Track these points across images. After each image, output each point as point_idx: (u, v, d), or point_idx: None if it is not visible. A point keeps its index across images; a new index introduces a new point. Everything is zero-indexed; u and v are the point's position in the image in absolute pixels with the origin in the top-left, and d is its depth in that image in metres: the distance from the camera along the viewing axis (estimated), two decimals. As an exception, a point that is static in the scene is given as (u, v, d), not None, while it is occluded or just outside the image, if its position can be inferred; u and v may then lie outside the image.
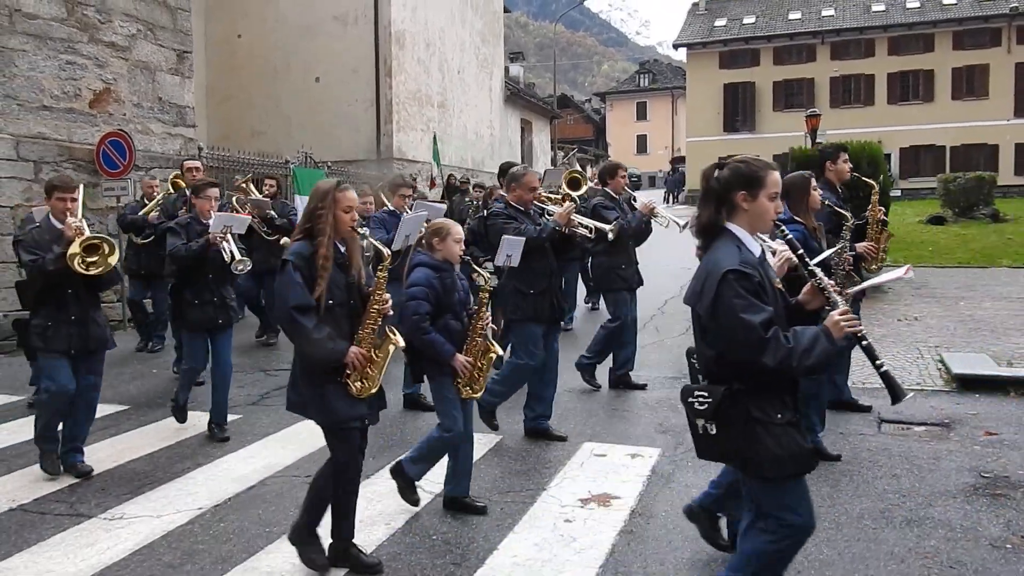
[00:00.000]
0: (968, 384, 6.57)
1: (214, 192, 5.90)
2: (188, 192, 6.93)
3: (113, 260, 4.86)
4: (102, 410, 6.44)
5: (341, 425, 3.52)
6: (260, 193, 9.48)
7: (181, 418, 5.87)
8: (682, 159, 47.99)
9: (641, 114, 67.29)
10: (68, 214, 4.84)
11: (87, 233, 4.78)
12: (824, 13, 40.83)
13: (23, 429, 5.96)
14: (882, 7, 39.76)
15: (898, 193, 30.49)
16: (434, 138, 11.80)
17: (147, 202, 8.89)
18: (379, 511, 4.30)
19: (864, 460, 5.02)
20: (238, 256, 5.67)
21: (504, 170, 7.28)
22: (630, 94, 67.87)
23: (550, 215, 5.59)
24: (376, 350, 3.55)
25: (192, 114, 12.52)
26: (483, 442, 5.29)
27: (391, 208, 6.63)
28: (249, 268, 5.93)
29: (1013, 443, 5.25)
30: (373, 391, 3.56)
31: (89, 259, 4.75)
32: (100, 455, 5.33)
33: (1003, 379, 6.58)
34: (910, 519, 4.13)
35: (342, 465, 3.58)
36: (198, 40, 15.07)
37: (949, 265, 13.97)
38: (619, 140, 66.10)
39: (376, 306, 3.56)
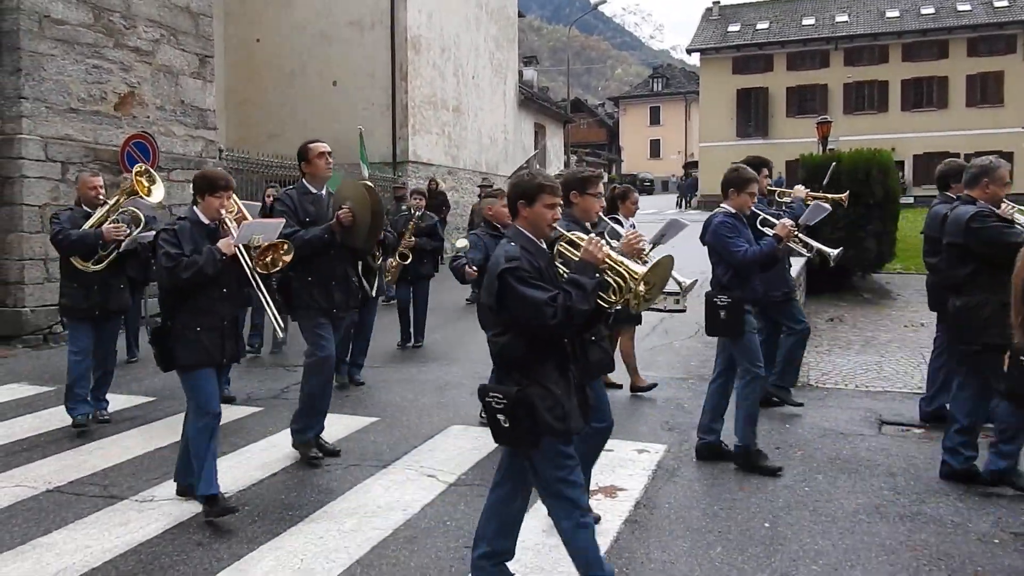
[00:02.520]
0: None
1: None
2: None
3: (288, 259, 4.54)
4: (130, 400, 6.77)
5: None
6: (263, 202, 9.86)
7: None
8: (695, 164, 48.10)
9: (654, 119, 67.44)
10: (224, 211, 4.40)
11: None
12: (838, 19, 40.90)
13: (54, 417, 6.24)
14: (896, 13, 39.80)
15: (911, 200, 30.54)
16: (360, 135, 11.36)
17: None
18: (396, 498, 4.53)
19: (863, 459, 5.21)
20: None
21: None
22: (643, 98, 68.04)
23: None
24: None
25: (213, 117, 12.82)
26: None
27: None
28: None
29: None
30: None
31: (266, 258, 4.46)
32: (129, 442, 5.60)
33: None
34: (903, 514, 4.31)
35: None
36: (216, 44, 15.35)
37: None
38: (632, 144, 66.29)
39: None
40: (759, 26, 42.57)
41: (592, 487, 4.70)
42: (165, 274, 4.18)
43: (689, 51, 44.47)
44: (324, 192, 5.35)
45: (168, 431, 5.90)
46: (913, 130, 37.24)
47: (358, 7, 18.77)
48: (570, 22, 55.93)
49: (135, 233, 5.89)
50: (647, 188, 54.23)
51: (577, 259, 3.12)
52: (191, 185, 4.56)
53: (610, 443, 5.49)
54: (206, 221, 4.32)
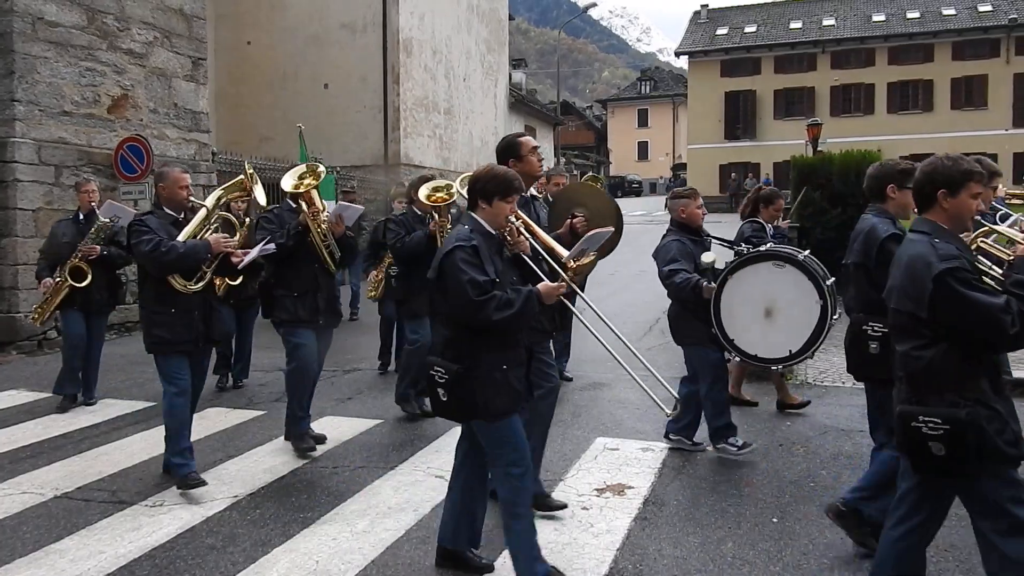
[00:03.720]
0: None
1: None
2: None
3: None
4: (131, 406, 6.75)
5: None
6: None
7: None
8: (683, 166, 48.31)
9: (642, 121, 67.64)
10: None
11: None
12: (825, 23, 41.20)
13: (56, 424, 6.23)
14: (882, 17, 40.13)
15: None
16: (299, 133, 11.01)
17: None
18: (406, 499, 4.54)
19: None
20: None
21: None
22: (631, 101, 68.23)
23: None
24: None
25: (207, 120, 12.79)
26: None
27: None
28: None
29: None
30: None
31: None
32: (133, 448, 5.58)
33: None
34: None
35: None
36: (208, 46, 15.32)
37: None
38: (620, 147, 66.45)
39: None
40: (747, 29, 42.82)
41: (600, 485, 4.76)
42: (478, 313, 3.22)
43: (678, 54, 44.64)
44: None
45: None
46: (899, 132, 37.51)
47: (350, 10, 18.78)
48: (558, 25, 56.08)
49: (258, 248, 5.03)
50: (635, 190, 54.41)
51: (1013, 257, 2.93)
52: (465, 189, 3.68)
53: (615, 442, 5.59)
54: (493, 232, 3.44)
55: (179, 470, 4.66)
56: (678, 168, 52.87)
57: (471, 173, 3.74)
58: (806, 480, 4.83)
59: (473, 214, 3.45)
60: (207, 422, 6.19)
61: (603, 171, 60.98)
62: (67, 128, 10.43)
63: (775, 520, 4.23)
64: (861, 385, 7.21)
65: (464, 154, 22.75)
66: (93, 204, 6.84)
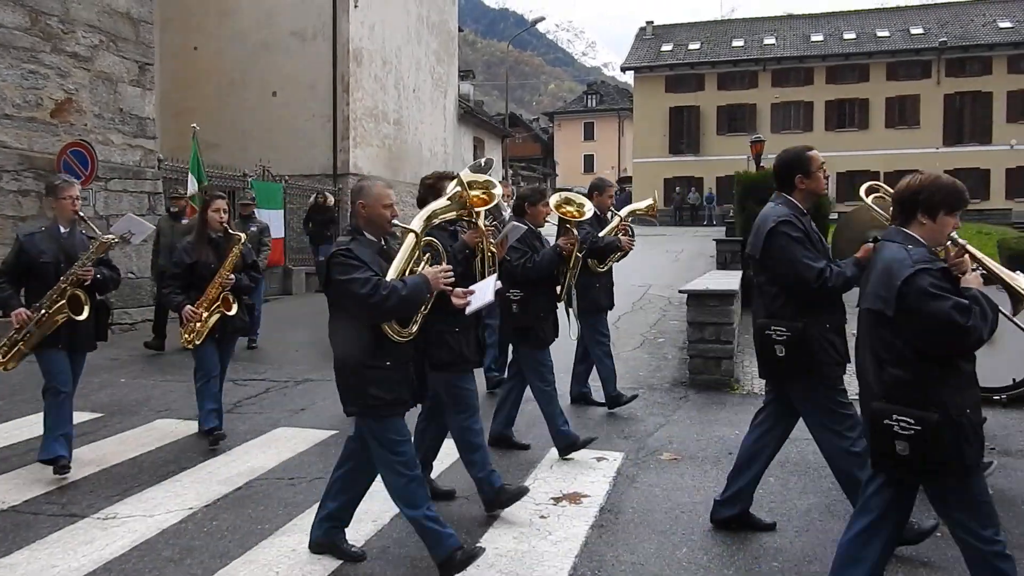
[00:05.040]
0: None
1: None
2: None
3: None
4: (78, 417, 6.55)
5: None
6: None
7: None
8: (629, 179, 48.97)
9: (588, 134, 68.35)
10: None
11: None
12: (766, 41, 42.41)
13: (9, 434, 6.06)
14: (820, 37, 41.50)
15: (835, 216, 31.65)
16: (193, 134, 10.37)
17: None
18: (365, 509, 4.51)
19: (810, 462, 5.44)
20: None
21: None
22: (578, 114, 68.95)
23: None
24: None
25: (153, 126, 12.57)
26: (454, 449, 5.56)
27: None
28: None
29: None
30: None
31: None
32: (82, 460, 5.46)
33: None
34: (852, 512, 4.53)
35: None
36: (155, 51, 15.06)
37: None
38: (566, 159, 67.01)
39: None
40: (691, 46, 43.75)
41: (557, 494, 4.84)
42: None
43: (623, 69, 45.36)
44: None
45: (121, 447, 5.81)
46: (836, 149, 38.64)
47: (300, 18, 18.66)
48: (505, 38, 56.48)
49: (490, 283, 4.05)
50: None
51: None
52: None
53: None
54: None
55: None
56: (623, 181, 53.53)
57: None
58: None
59: (906, 230, 3.05)
60: (157, 433, 6.11)
61: (550, 183, 61.50)
62: (7, 131, 10.14)
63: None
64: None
65: (413, 165, 22.74)
66: (77, 213, 5.42)
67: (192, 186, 11.20)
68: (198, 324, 5.68)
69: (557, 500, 4.74)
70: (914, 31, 40.35)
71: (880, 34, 40.63)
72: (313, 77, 18.66)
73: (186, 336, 5.75)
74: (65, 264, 5.22)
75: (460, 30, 29.62)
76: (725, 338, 7.76)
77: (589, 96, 70.67)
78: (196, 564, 3.87)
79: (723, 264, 12.80)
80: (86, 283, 5.23)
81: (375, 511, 4.53)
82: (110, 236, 5.49)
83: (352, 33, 18.75)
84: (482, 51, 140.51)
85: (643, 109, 43.51)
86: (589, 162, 68.08)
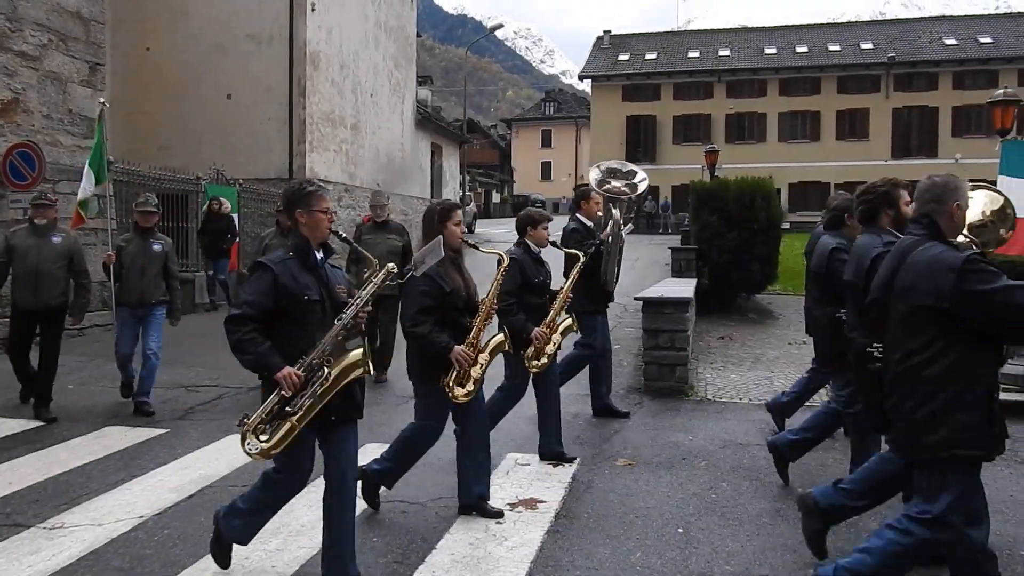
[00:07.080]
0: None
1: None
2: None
3: None
4: (22, 424, 6.43)
5: None
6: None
7: None
8: (586, 186, 49.31)
9: (546, 141, 68.77)
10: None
11: None
12: (721, 53, 43.16)
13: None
14: (774, 50, 42.39)
15: (787, 226, 32.27)
16: (99, 116, 8.40)
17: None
18: (320, 516, 4.50)
19: (761, 467, 5.55)
20: None
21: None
22: (536, 121, 69.33)
23: None
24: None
25: (103, 127, 12.28)
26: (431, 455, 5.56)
27: None
28: None
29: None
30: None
31: None
32: (27, 468, 5.33)
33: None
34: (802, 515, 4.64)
35: None
36: (106, 52, 14.78)
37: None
38: (524, 166, 67.33)
39: None
40: (648, 56, 44.32)
41: (513, 499, 4.86)
42: None
43: (581, 77, 45.76)
44: None
45: (68, 455, 5.67)
46: (789, 160, 39.51)
47: (256, 20, 18.43)
48: (464, 43, 56.53)
49: None
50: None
51: None
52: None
53: (526, 457, 5.72)
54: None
55: None
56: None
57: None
58: (708, 492, 5.07)
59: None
60: (107, 440, 5.98)
61: (507, 190, 61.64)
62: (-50, 131, 9.86)
63: (680, 530, 4.43)
64: (758, 401, 7.61)
65: (371, 170, 22.62)
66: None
67: (88, 184, 8.08)
68: None
69: (513, 506, 4.76)
70: (864, 46, 41.43)
71: (832, 48, 41.66)
72: (269, 80, 18.45)
73: None
74: (329, 302, 3.64)
75: (418, 35, 29.58)
76: (680, 345, 7.86)
77: (547, 104, 71.11)
78: (147, 573, 3.80)
79: (678, 272, 12.95)
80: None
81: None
82: (391, 265, 3.74)
83: (309, 36, 18.59)
84: (440, 57, 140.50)
85: (600, 117, 43.91)
86: (547, 169, 68.47)
